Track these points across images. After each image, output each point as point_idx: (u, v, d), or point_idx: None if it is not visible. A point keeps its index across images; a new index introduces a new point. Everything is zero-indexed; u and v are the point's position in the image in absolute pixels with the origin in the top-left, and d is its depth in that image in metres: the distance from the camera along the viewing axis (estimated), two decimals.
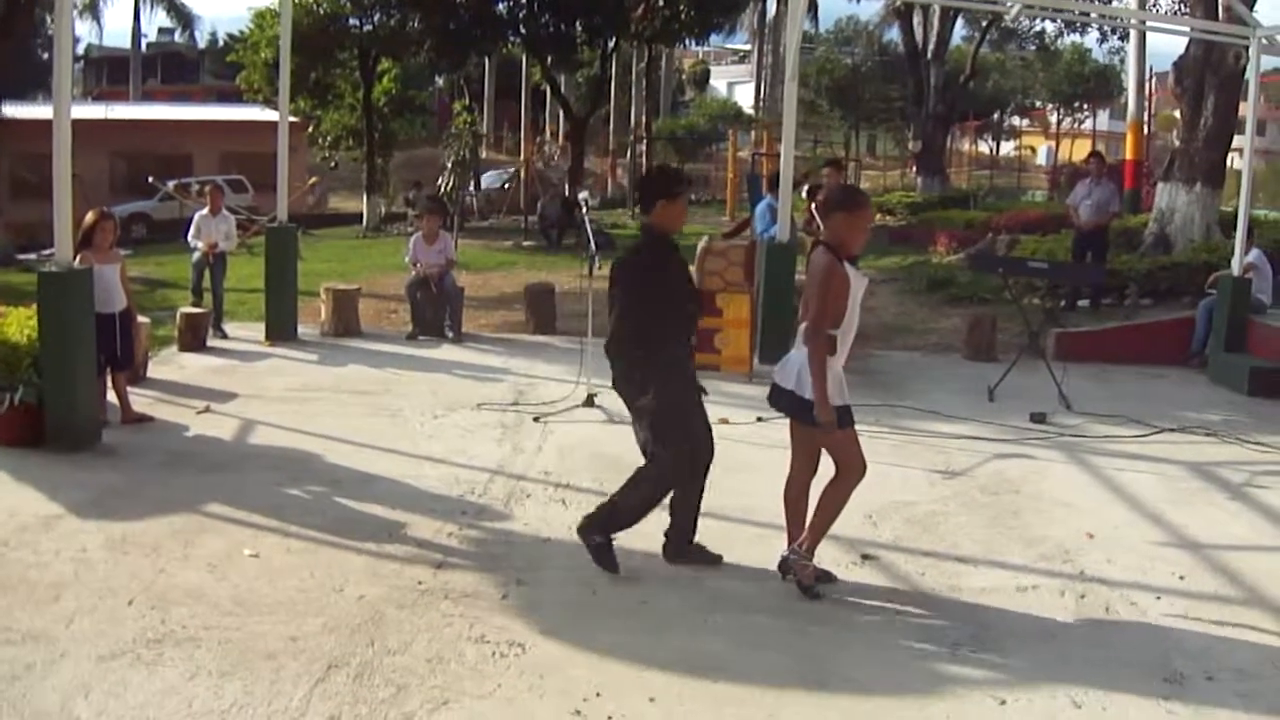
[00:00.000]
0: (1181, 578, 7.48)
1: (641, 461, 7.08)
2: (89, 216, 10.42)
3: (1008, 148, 72.02)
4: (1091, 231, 17.68)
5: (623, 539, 7.46)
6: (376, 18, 33.35)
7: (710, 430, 7.20)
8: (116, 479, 8.66)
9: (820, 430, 6.60)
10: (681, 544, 7.32)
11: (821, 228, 11.99)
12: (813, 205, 13.09)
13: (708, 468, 7.22)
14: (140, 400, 10.78)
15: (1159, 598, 7.09)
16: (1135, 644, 6.43)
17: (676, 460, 6.96)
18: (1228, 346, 14.30)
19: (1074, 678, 5.91)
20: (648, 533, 7.82)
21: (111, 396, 10.33)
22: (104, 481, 8.56)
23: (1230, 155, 20.92)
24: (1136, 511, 8.90)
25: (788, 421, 6.95)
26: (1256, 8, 16.40)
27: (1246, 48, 14.86)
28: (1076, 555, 7.80)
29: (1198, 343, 15.01)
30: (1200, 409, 12.54)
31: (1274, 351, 13.75)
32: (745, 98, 74.66)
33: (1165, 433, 11.39)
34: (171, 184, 34.01)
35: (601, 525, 7.08)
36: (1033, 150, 66.09)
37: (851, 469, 6.83)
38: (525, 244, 29.42)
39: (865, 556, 7.59)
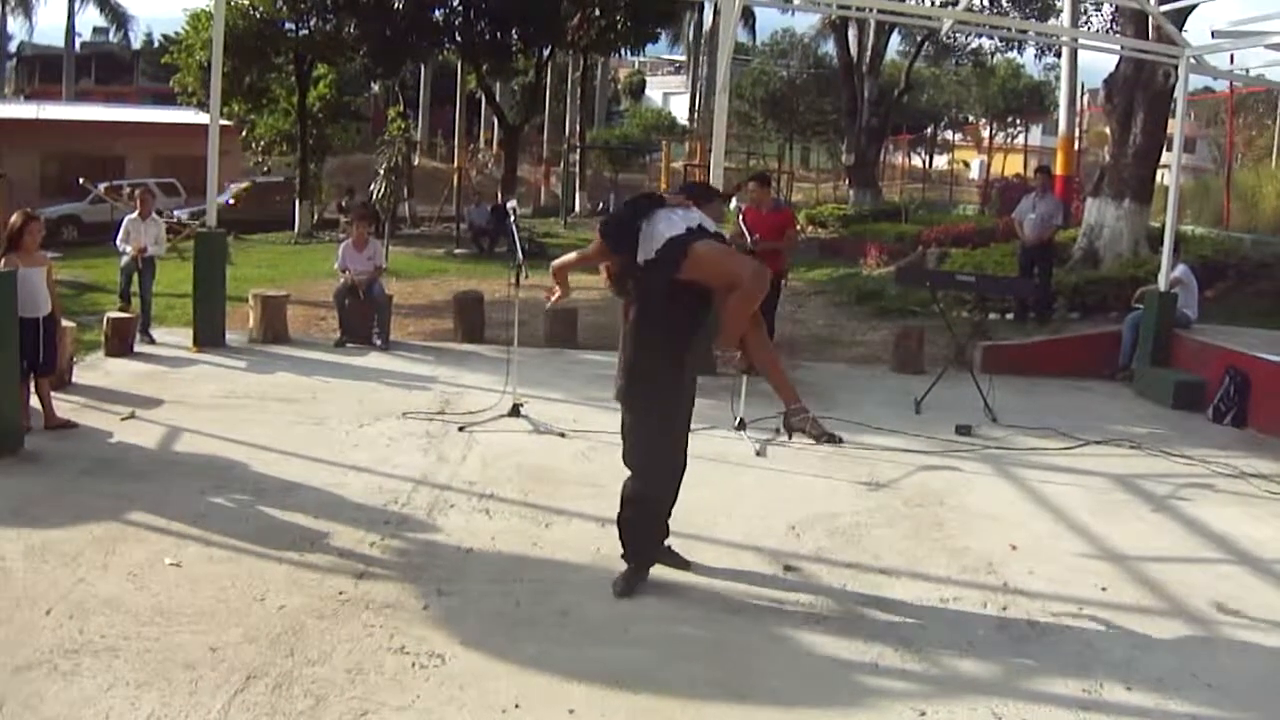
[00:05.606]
0: (1104, 589, 7.55)
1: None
2: (15, 218, 10.23)
3: (940, 161, 72.32)
4: (1037, 246, 17.79)
5: (546, 548, 7.48)
6: (312, 22, 33.12)
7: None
8: (38, 486, 8.53)
9: None
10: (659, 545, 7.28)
11: (750, 241, 12.05)
12: (742, 219, 13.07)
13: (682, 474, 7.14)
14: (64, 406, 10.63)
15: (1081, 609, 7.15)
16: (1056, 655, 6.47)
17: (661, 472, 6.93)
18: (1153, 360, 14.48)
19: (995, 689, 5.96)
20: (571, 544, 7.82)
21: (35, 402, 10.19)
22: (25, 488, 8.43)
23: (1159, 171, 21.15)
24: (1060, 523, 8.98)
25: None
26: (1186, 28, 16.60)
27: (1176, 67, 15.03)
28: (1000, 567, 7.86)
29: (1124, 356, 15.16)
30: (1125, 422, 12.67)
31: (1199, 365, 13.90)
32: (680, 109, 74.81)
33: (1090, 445, 11.51)
34: (103, 186, 33.66)
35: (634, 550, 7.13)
36: (965, 164, 66.32)
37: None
38: (457, 252, 29.34)
39: (788, 568, 7.59)
